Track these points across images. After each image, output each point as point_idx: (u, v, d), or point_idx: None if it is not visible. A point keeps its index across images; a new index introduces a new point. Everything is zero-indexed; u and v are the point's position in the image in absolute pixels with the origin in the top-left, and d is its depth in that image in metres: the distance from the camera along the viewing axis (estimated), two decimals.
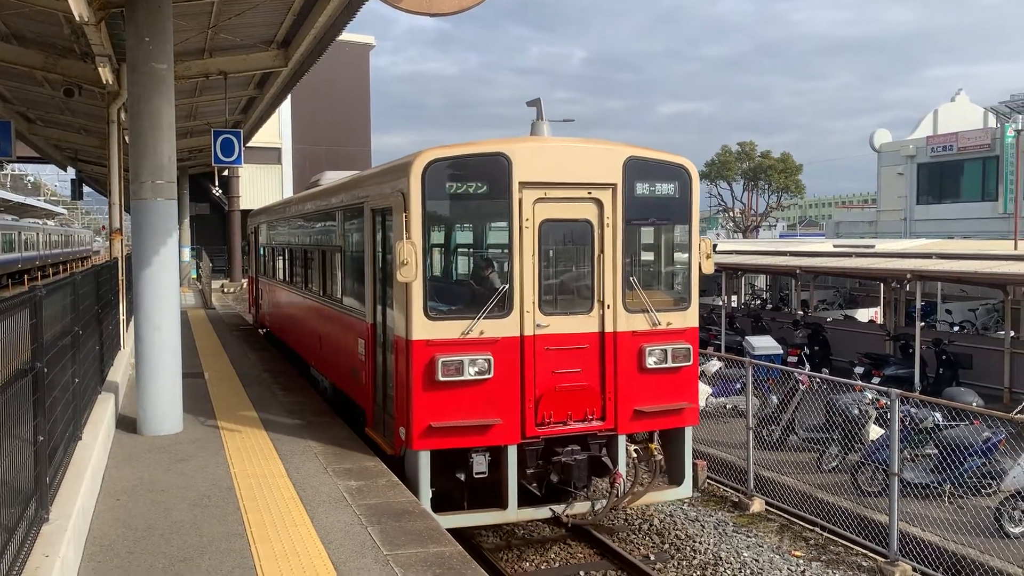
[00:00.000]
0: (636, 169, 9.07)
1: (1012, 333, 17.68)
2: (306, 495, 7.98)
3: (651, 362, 9.07)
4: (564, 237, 9.14)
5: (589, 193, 8.93)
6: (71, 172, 36.98)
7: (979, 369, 17.11)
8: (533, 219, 8.71)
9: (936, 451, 10.81)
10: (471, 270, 9.72)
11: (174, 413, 10.48)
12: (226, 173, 36.76)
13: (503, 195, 8.62)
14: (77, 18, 9.42)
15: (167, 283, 10.44)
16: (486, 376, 8.48)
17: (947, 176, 47.21)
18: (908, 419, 10.95)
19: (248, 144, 23.76)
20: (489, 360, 8.47)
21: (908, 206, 48.76)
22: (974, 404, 12.17)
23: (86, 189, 44.08)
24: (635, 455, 9.43)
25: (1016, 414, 12.24)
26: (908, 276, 17.46)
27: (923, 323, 18.33)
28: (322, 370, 13.40)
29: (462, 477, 8.68)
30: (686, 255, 9.51)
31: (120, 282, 15.15)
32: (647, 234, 9.71)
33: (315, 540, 6.83)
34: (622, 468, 9.12)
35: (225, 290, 39.73)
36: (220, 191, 30.00)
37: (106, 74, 13.34)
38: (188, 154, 29.69)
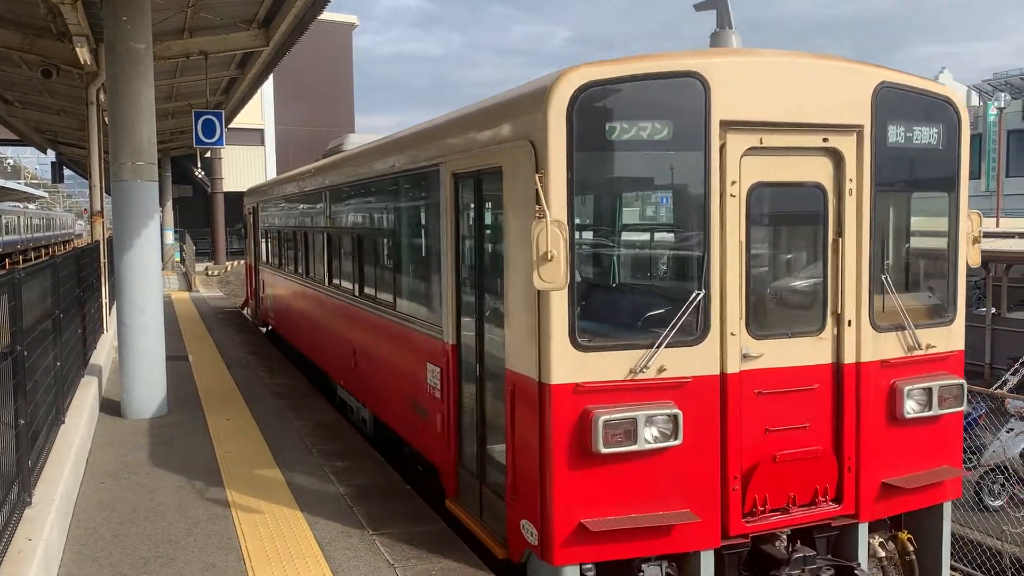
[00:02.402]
0: (890, 103, 5.96)
1: (993, 310, 17.85)
2: (291, 475, 7.97)
3: (910, 408, 6.09)
4: (781, 211, 6.09)
5: (825, 141, 5.82)
6: (51, 155, 36.61)
7: None
8: (740, 182, 5.62)
9: None
10: (642, 267, 6.58)
11: (158, 396, 10.45)
12: (208, 154, 36.44)
13: (695, 143, 5.51)
14: None
15: (149, 266, 10.38)
16: (670, 443, 5.44)
17: None
18: None
19: (230, 125, 23.55)
20: (675, 417, 5.43)
21: None
22: None
23: (67, 172, 43.75)
24: (882, 552, 6.39)
25: (995, 389, 12.39)
26: None
27: None
28: (359, 395, 10.19)
29: None
30: (945, 239, 6.49)
31: (102, 265, 15.03)
32: (892, 205, 6.45)
33: (300, 520, 6.83)
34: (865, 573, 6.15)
35: (209, 273, 39.51)
36: (202, 173, 29.70)
37: (84, 54, 13.17)
38: (170, 135, 29.42)
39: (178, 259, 39.35)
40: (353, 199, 10.51)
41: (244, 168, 46.91)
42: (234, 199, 43.06)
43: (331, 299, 11.44)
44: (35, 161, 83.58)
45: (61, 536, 6.37)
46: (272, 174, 45.78)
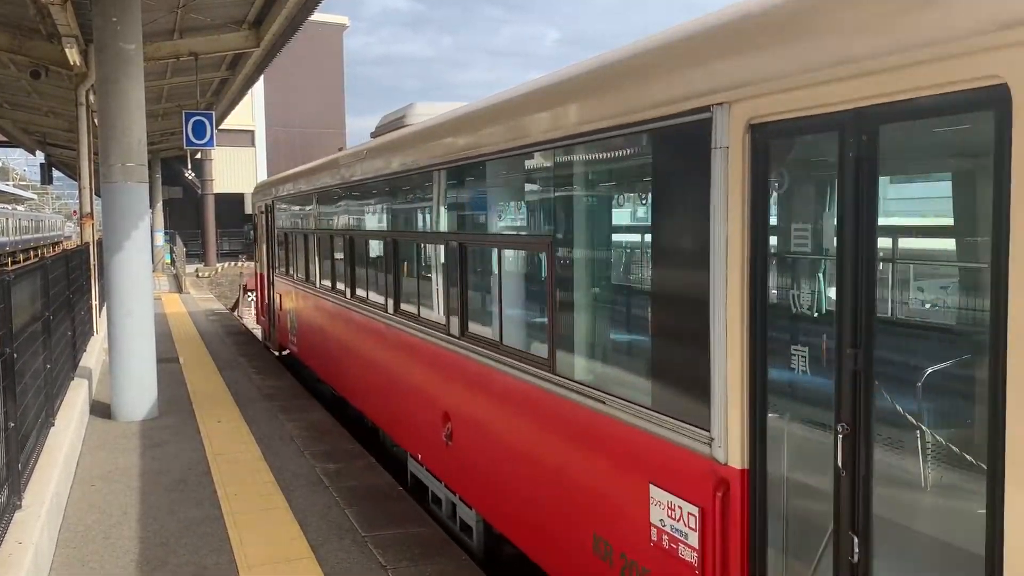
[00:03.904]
0: None
1: None
2: (282, 477, 7.95)
3: None
4: None
5: None
6: (40, 156, 36.44)
7: None
8: None
9: None
10: None
11: (148, 398, 10.41)
12: (199, 156, 36.31)
13: None
14: None
15: (139, 268, 10.35)
16: None
17: None
18: None
19: (221, 126, 23.49)
20: None
21: None
22: None
23: (56, 173, 43.55)
24: None
25: None
26: None
27: None
28: (457, 487, 6.96)
29: None
30: None
31: (92, 267, 14.97)
32: None
33: (293, 522, 6.81)
34: None
35: (199, 275, 39.40)
36: (193, 174, 29.63)
37: (73, 55, 13.12)
38: (160, 137, 29.30)
39: (168, 261, 39.22)
40: (454, 191, 7.05)
41: (235, 169, 46.82)
42: (225, 200, 43.05)
43: (402, 334, 8.15)
44: (23, 162, 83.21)
45: (52, 539, 6.33)
46: (263, 175, 45.67)
